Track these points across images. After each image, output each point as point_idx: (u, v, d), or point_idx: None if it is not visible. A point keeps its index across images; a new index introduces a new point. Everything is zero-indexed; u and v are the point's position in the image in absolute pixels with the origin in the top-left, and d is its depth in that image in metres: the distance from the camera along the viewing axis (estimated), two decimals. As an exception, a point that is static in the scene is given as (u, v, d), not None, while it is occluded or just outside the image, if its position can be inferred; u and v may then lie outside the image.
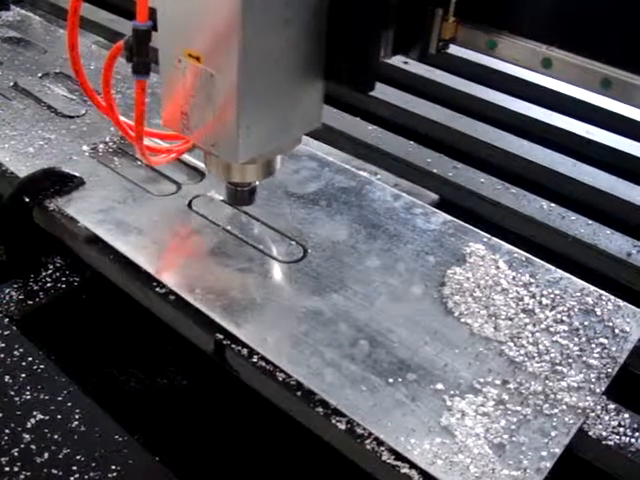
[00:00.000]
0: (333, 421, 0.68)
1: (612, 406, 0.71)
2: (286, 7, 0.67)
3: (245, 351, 0.74)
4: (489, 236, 0.90)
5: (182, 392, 0.90)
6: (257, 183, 0.85)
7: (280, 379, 0.72)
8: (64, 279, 0.92)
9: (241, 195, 0.85)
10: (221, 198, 0.93)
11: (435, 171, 1.04)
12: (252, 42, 0.66)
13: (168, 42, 0.72)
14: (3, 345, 0.82)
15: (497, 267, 0.85)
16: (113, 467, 0.70)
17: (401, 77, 1.28)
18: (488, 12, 0.76)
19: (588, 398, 0.71)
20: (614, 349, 0.76)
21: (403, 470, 0.64)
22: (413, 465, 0.64)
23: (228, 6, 0.64)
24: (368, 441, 0.66)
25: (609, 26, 0.70)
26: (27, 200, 0.92)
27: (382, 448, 0.66)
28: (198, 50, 0.69)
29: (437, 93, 1.25)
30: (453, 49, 0.77)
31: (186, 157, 0.98)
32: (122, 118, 0.83)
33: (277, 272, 0.83)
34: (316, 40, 0.71)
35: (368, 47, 0.71)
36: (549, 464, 0.64)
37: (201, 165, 0.93)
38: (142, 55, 0.71)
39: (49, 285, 0.91)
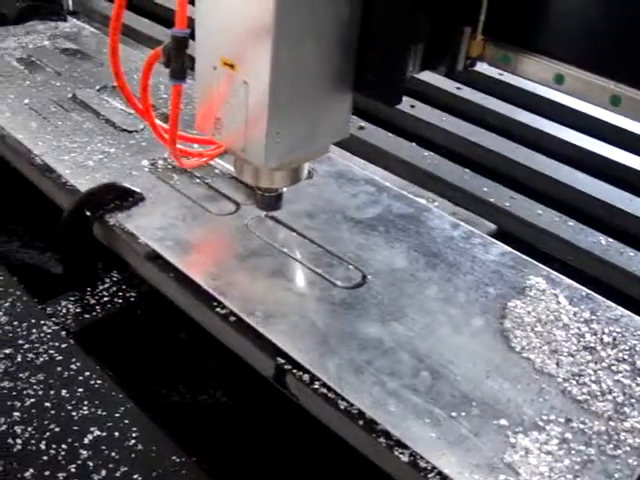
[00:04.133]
0: (396, 453, 0.67)
1: (677, 450, 0.70)
2: (318, 19, 0.70)
3: (307, 377, 0.74)
4: (549, 270, 0.89)
5: (223, 409, 0.90)
6: (284, 190, 0.86)
7: (342, 407, 0.71)
8: (121, 294, 0.93)
9: (268, 200, 0.86)
10: (279, 219, 0.94)
11: (492, 200, 1.04)
12: (284, 52, 0.69)
13: (204, 50, 0.75)
14: (60, 358, 0.82)
15: (558, 302, 0.84)
16: (171, 487, 0.70)
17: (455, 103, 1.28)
18: (513, 31, 0.76)
19: (653, 440, 0.70)
20: (678, 390, 0.75)
21: (467, 507, 0.63)
22: (477, 502, 0.63)
23: (262, 17, 0.67)
24: (431, 475, 0.66)
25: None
26: (88, 214, 0.93)
27: (445, 483, 0.65)
28: (233, 58, 0.72)
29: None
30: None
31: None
32: (157, 121, 0.84)
33: (337, 297, 0.83)
34: (346, 52, 0.74)
35: (396, 61, 0.73)
36: (614, 509, 0.64)
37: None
38: (179, 61, 0.74)
39: (106, 299, 0.92)
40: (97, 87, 1.24)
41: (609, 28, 0.67)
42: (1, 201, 1.12)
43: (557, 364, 0.77)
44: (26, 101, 1.17)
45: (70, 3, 1.55)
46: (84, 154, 1.05)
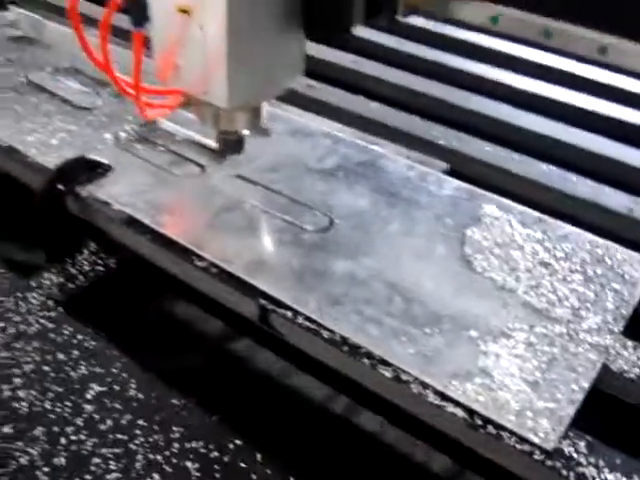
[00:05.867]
0: (380, 370, 0.74)
1: (630, 343, 0.78)
2: None
3: (289, 313, 0.80)
4: (500, 198, 0.96)
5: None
6: (246, 133, 0.92)
7: (326, 336, 0.77)
8: (100, 262, 0.97)
9: (230, 143, 0.92)
10: (245, 176, 0.99)
11: (442, 142, 1.10)
12: None
13: None
14: (52, 326, 0.86)
15: (511, 226, 0.91)
16: (175, 429, 0.75)
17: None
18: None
19: (608, 337, 0.77)
20: (626, 293, 0.83)
21: (449, 409, 0.70)
22: (458, 404, 0.70)
23: None
24: (414, 386, 0.72)
25: None
26: (61, 188, 0.96)
27: (427, 391, 0.71)
28: (188, 4, 0.78)
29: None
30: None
31: (209, 142, 1.03)
32: (118, 74, 0.88)
33: (309, 241, 0.89)
34: None
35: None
36: (580, 396, 0.71)
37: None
38: (140, 6, 0.80)
39: (87, 268, 0.96)
40: (49, 69, 1.26)
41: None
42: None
43: (516, 280, 0.84)
44: (-20, 89, 1.20)
45: (8, -8, 1.56)
46: (46, 134, 1.08)
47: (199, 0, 0.77)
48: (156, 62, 0.84)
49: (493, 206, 0.94)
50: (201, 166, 1.02)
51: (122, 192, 0.96)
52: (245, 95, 0.83)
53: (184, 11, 0.78)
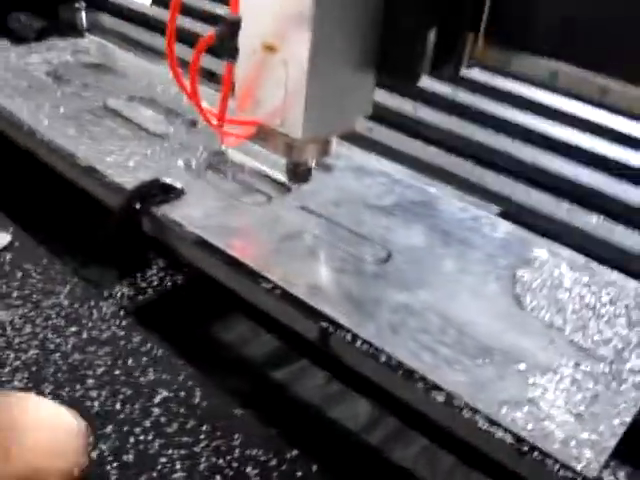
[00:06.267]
0: (433, 395, 0.79)
1: (670, 385, 0.82)
2: (349, 7, 0.83)
3: (349, 336, 0.85)
4: (550, 242, 1.01)
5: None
6: (314, 164, 0.98)
7: (383, 360, 0.82)
8: (169, 278, 1.03)
9: (299, 173, 0.98)
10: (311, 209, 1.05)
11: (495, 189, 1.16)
12: (319, 35, 0.82)
13: (246, 35, 0.86)
14: (122, 333, 0.92)
15: (560, 269, 0.96)
16: (236, 436, 0.81)
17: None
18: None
19: (649, 378, 0.82)
20: (667, 339, 0.87)
21: (498, 434, 0.75)
22: (507, 430, 0.75)
23: (301, 5, 0.81)
24: (465, 411, 0.77)
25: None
26: (137, 208, 1.03)
27: (477, 417, 0.76)
28: (273, 42, 0.85)
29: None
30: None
31: (275, 174, 1.10)
32: (204, 104, 0.94)
33: (368, 271, 0.94)
34: (371, 37, 0.86)
35: (415, 45, 0.85)
36: (621, 430, 0.75)
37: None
38: (233, 42, 0.86)
39: (156, 283, 1.03)
40: (124, 97, 1.34)
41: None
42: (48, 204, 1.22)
43: (564, 320, 0.89)
44: (61, 110, 1.28)
45: (84, 21, 1.65)
46: (123, 156, 1.15)
47: (284, 38, 0.84)
48: (237, 94, 0.91)
49: (543, 250, 0.99)
50: (268, 196, 1.08)
51: (194, 215, 1.02)
52: (317, 128, 0.90)
53: (270, 48, 0.85)
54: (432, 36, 0.86)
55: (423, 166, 1.21)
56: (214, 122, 0.93)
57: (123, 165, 1.13)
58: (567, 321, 0.89)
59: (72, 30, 1.64)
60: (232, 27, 0.85)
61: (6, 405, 0.74)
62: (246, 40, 0.87)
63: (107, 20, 1.76)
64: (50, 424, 0.75)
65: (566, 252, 1.00)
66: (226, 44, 0.86)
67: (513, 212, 1.11)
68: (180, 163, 1.14)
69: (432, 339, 0.85)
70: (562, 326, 0.88)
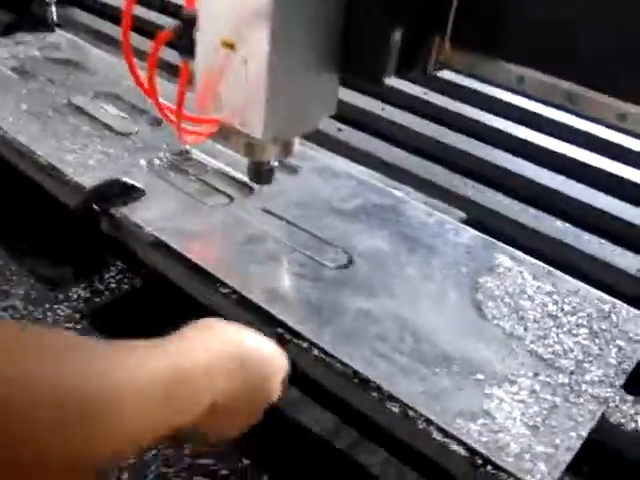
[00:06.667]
0: (388, 405, 0.77)
1: (629, 397, 0.81)
2: (309, 6, 0.80)
3: (305, 344, 0.83)
4: (513, 249, 1.00)
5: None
6: (276, 164, 0.96)
7: (338, 369, 0.81)
8: (127, 280, 1.01)
9: (261, 173, 0.96)
10: (274, 211, 1.03)
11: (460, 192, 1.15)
12: (279, 34, 0.79)
13: (205, 32, 0.84)
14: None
15: (523, 277, 0.95)
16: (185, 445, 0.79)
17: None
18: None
19: (608, 390, 0.80)
20: (629, 350, 0.86)
21: (452, 447, 0.73)
22: (460, 442, 0.73)
23: (259, 0, 0.78)
24: (420, 421, 0.75)
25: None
26: (96, 208, 1.01)
27: (432, 428, 0.75)
28: (233, 39, 0.82)
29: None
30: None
31: (238, 175, 1.08)
32: (162, 100, 0.92)
33: (328, 276, 0.93)
34: (333, 36, 0.83)
35: (379, 45, 0.82)
36: (578, 444, 0.74)
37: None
38: (189, 38, 0.84)
39: (113, 285, 1.01)
40: (91, 93, 1.32)
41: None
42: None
43: (524, 329, 0.87)
44: (24, 107, 1.25)
45: (54, 16, 1.62)
46: (85, 155, 1.13)
47: (243, 36, 0.81)
48: (197, 92, 0.89)
49: (506, 257, 0.98)
50: (230, 197, 1.06)
51: (153, 216, 1.00)
52: (279, 128, 0.87)
53: (229, 45, 0.83)
54: (397, 37, 0.84)
55: (389, 168, 1.19)
56: (173, 119, 0.91)
57: (84, 164, 1.10)
58: (528, 330, 0.87)
59: (42, 25, 1.61)
60: (188, 24, 0.83)
61: None
62: (205, 37, 0.85)
63: (78, 15, 1.73)
64: None
65: (529, 260, 0.98)
66: (182, 41, 0.84)
67: (478, 216, 1.09)
68: (142, 162, 1.12)
69: (390, 347, 0.83)
70: (523, 335, 0.87)
